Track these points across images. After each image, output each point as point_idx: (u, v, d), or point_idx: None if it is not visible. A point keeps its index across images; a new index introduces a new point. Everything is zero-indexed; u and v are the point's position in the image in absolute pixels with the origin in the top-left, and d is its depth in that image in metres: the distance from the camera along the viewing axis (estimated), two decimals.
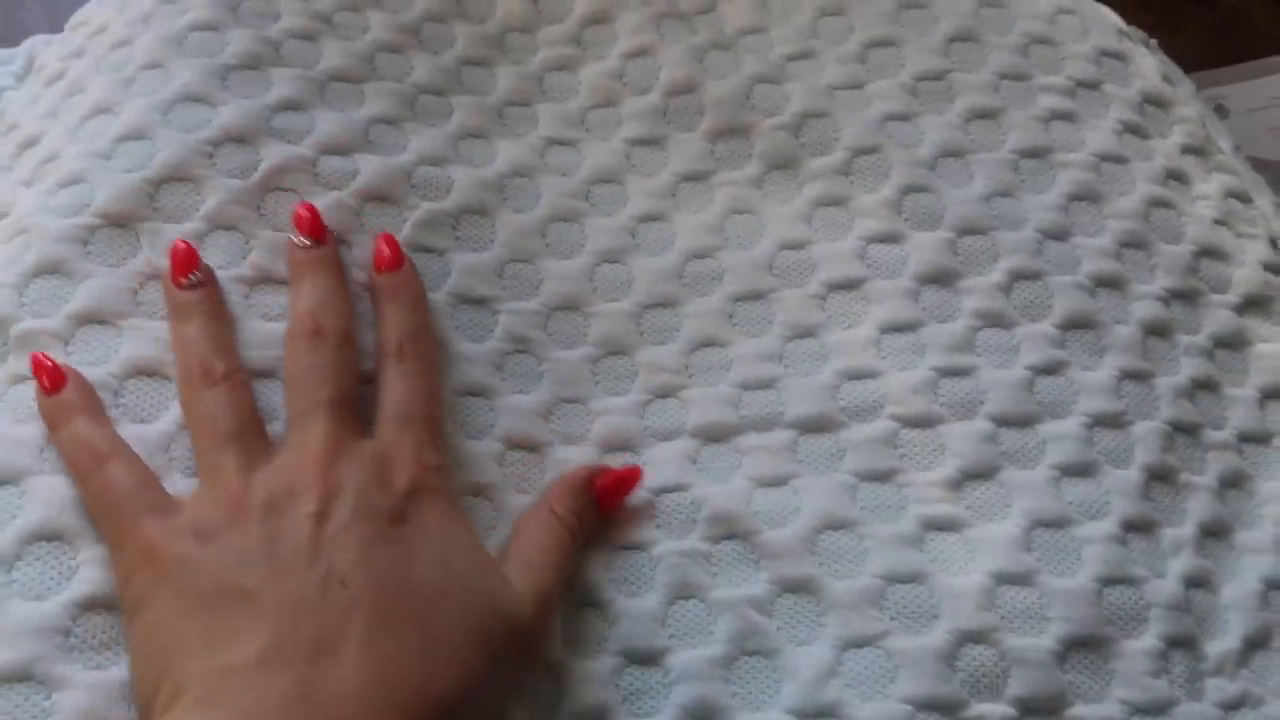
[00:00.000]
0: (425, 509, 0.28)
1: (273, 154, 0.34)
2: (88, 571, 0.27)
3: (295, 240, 0.32)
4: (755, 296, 0.36)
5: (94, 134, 0.34)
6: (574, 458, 0.33)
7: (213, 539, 0.26)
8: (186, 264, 0.31)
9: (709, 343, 0.35)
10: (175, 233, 0.32)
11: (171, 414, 0.29)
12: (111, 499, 0.27)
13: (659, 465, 0.33)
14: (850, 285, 0.35)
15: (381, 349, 0.31)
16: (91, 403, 0.29)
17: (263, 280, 0.32)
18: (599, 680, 0.29)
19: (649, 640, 0.30)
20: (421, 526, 0.27)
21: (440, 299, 0.34)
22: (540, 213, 0.36)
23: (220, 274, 0.31)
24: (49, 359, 0.29)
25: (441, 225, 0.35)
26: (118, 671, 0.26)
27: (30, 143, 0.35)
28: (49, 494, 0.27)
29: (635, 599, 0.31)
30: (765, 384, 0.34)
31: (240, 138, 0.34)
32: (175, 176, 0.33)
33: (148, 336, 0.30)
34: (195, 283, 0.30)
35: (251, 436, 0.28)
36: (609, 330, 0.35)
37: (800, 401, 0.33)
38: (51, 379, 0.29)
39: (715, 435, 0.33)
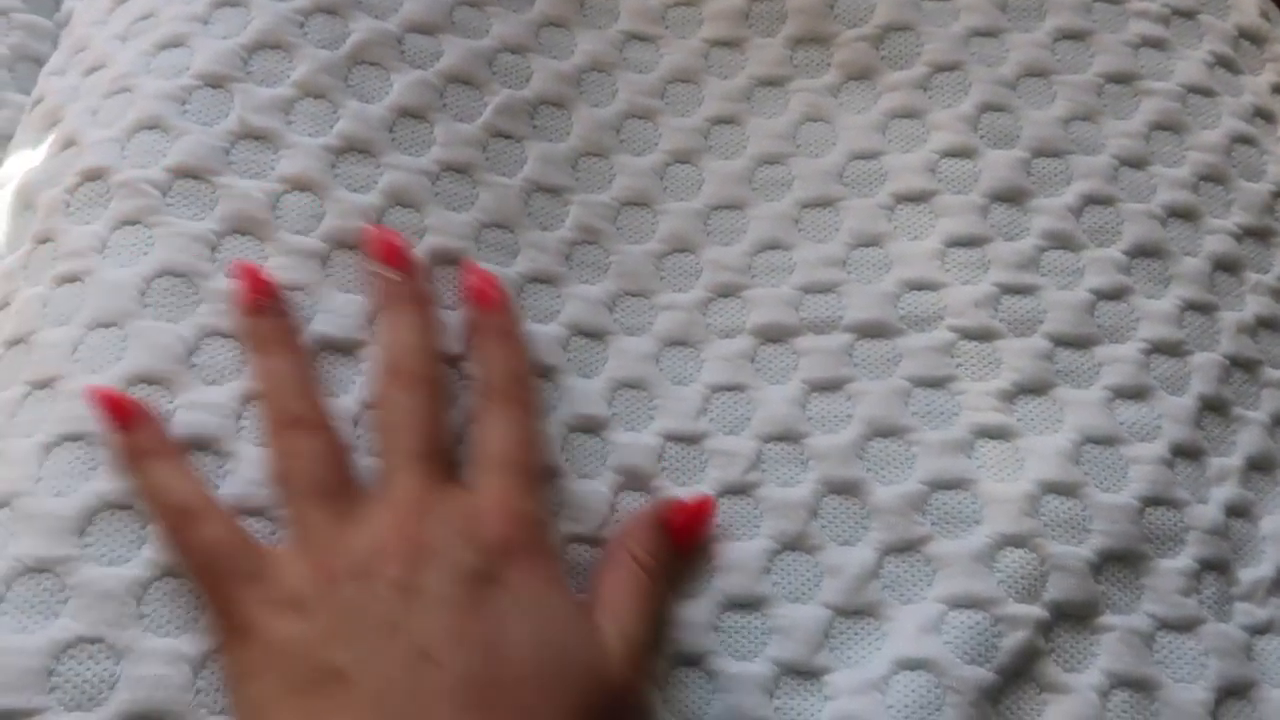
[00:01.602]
0: (519, 568, 0.26)
1: (361, 27, 0.34)
2: None
3: (384, 272, 0.31)
4: (823, 204, 0.36)
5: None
6: (633, 347, 0.33)
7: (306, 612, 0.25)
8: (261, 287, 0.30)
9: (774, 245, 0.35)
10: (268, 95, 0.33)
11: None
12: (206, 561, 0.26)
13: (717, 363, 0.34)
14: (919, 198, 0.36)
15: (481, 390, 0.30)
16: (170, 447, 0.28)
17: (348, 149, 0.33)
18: None
19: None
20: (515, 589, 0.26)
21: (514, 185, 0.34)
22: (616, 109, 0.37)
23: (308, 141, 0.32)
24: (117, 394, 0.28)
25: (520, 113, 0.36)
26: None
27: None
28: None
29: (684, 488, 0.32)
30: (826, 288, 0.34)
31: (331, 9, 0.34)
32: (268, 44, 0.34)
33: (238, 193, 0.31)
34: (272, 311, 0.29)
35: (340, 490, 0.27)
36: (676, 227, 0.35)
37: (860, 307, 0.34)
38: (122, 416, 0.27)
39: (774, 335, 0.34)
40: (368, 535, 0.26)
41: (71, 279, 0.30)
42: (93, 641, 0.26)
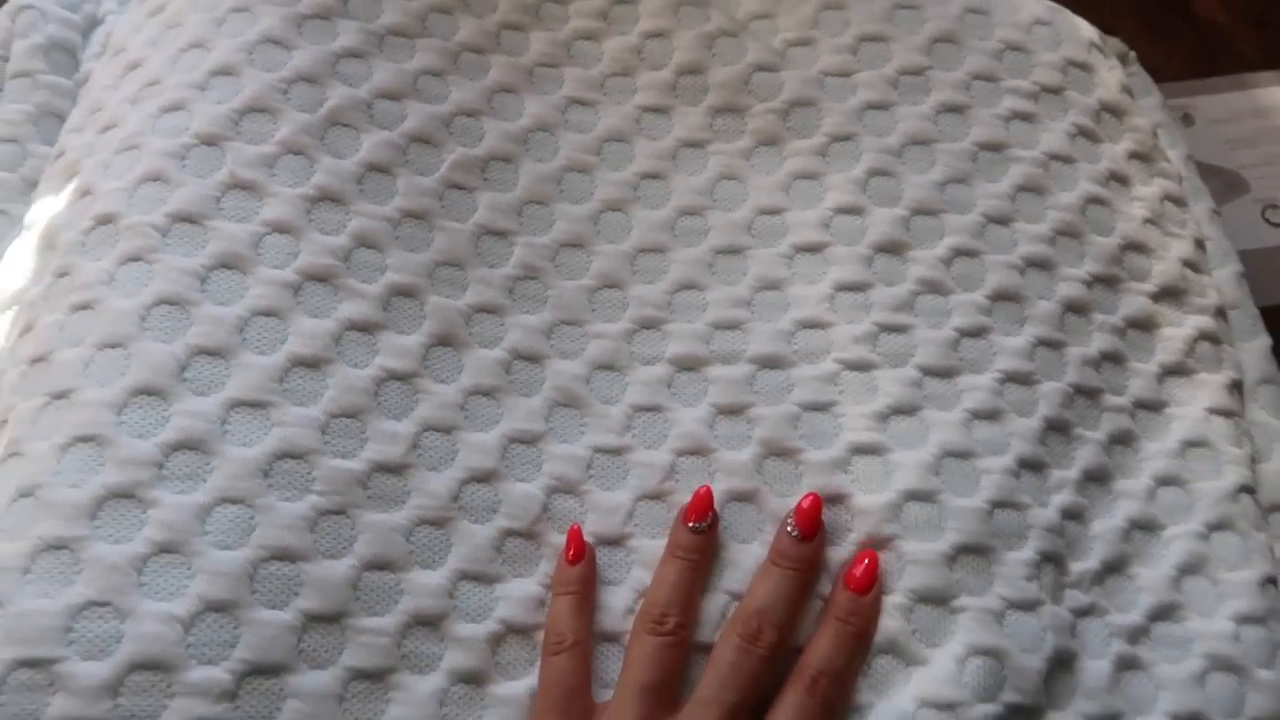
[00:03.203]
0: None
1: (336, 94, 0.40)
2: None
3: (788, 524, 0.35)
4: (734, 251, 0.42)
5: (190, 66, 0.40)
6: (567, 370, 0.39)
7: None
8: (703, 511, 0.35)
9: (690, 286, 0.41)
10: (254, 152, 0.38)
11: (248, 300, 0.36)
12: (552, 682, 0.33)
13: (640, 386, 0.39)
14: (814, 248, 0.41)
15: (799, 669, 0.33)
16: (588, 587, 0.34)
17: (322, 198, 0.38)
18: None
19: (613, 527, 0.36)
20: None
21: (466, 229, 0.40)
22: (558, 163, 0.43)
23: (287, 192, 0.38)
24: (582, 537, 0.35)
25: (472, 168, 0.41)
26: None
27: (134, 65, 0.42)
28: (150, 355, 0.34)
29: (608, 493, 0.37)
30: (733, 325, 0.40)
31: (311, 78, 0.40)
32: (255, 108, 0.39)
33: (226, 234, 0.37)
34: (696, 530, 0.35)
35: (665, 691, 0.32)
36: (607, 267, 0.41)
37: (761, 342, 0.40)
38: (576, 552, 0.35)
39: (688, 364, 0.40)
40: None
41: (84, 306, 0.36)
42: (101, 605, 0.31)
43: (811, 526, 0.35)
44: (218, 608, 0.32)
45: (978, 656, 0.34)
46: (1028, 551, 0.36)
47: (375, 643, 0.33)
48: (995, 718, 0.33)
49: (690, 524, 0.35)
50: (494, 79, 0.44)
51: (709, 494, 0.35)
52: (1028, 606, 0.35)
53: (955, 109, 0.44)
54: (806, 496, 0.35)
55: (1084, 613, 0.36)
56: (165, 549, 0.32)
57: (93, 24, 0.48)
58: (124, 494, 0.32)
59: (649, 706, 0.32)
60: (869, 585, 0.34)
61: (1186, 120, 0.55)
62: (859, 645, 0.33)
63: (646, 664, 0.33)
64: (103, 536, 0.32)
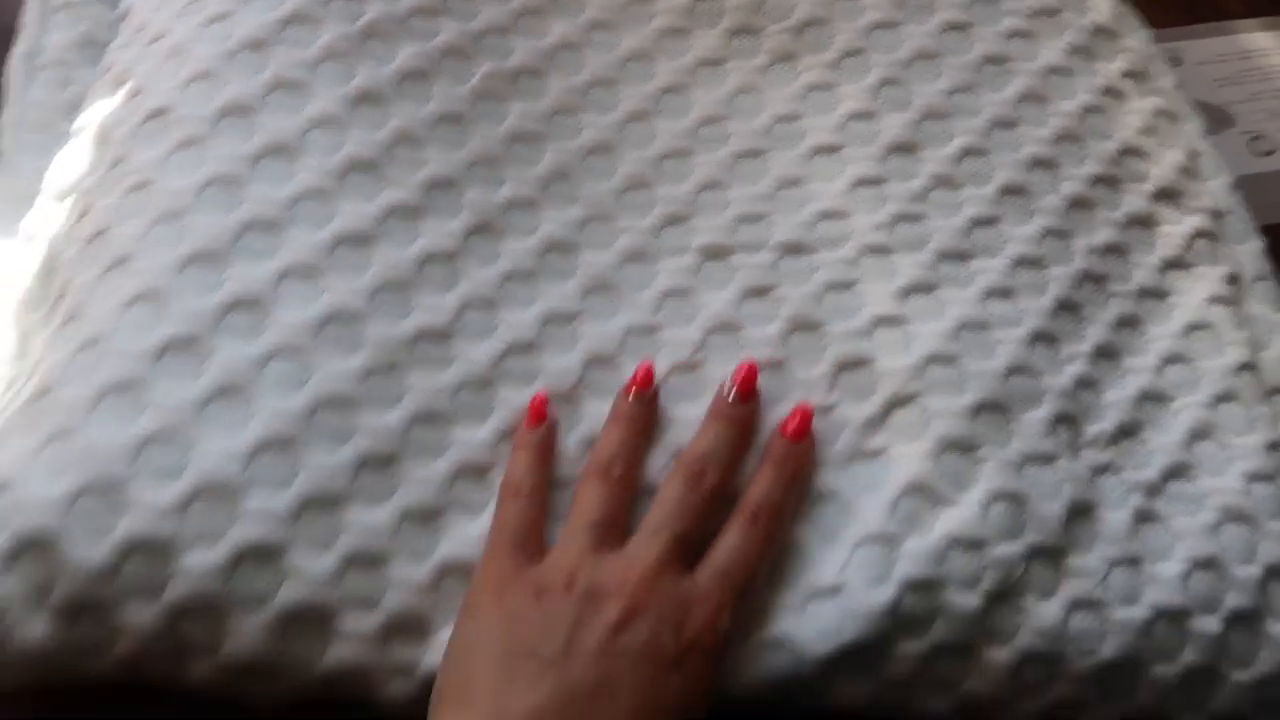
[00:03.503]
0: (695, 666, 0.32)
1: (373, 9, 0.42)
2: None
3: (725, 389, 0.37)
4: (754, 154, 0.44)
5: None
6: (599, 259, 0.41)
7: (541, 598, 0.32)
8: (645, 383, 0.37)
9: (714, 185, 0.43)
10: (296, 56, 0.40)
11: (296, 182, 0.38)
12: (504, 523, 0.34)
13: (668, 274, 0.41)
14: (831, 149, 0.44)
15: (742, 505, 0.35)
16: (545, 448, 0.36)
17: (362, 100, 0.40)
18: None
19: None
20: (682, 681, 0.32)
21: (499, 133, 0.42)
22: (583, 78, 0.45)
23: (329, 92, 0.40)
24: (544, 405, 0.36)
25: (503, 79, 0.44)
26: None
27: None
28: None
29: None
30: (756, 218, 0.42)
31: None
32: (297, 18, 0.41)
33: (271, 127, 0.38)
34: (643, 400, 0.37)
35: (611, 528, 0.34)
36: (634, 170, 0.43)
37: (783, 232, 0.42)
38: (534, 418, 0.36)
39: (714, 254, 0.41)
40: (608, 572, 0.33)
41: (139, 187, 0.37)
42: (166, 438, 0.33)
43: (747, 391, 0.37)
44: (276, 444, 0.33)
45: (1000, 501, 0.35)
46: (1044, 411, 0.38)
47: (425, 487, 0.34)
48: (1018, 556, 0.35)
49: (632, 395, 0.37)
50: (520, 2, 0.46)
51: (651, 369, 0.37)
52: (1045, 460, 0.37)
53: (958, 27, 0.47)
54: (743, 364, 0.37)
55: (1101, 470, 0.37)
56: (224, 392, 0.33)
57: None
58: (184, 344, 0.34)
59: (597, 539, 0.34)
60: (803, 433, 0.36)
61: (1175, 62, 0.58)
62: (795, 485, 0.36)
63: (595, 503, 0.34)
64: (165, 378, 0.33)
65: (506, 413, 0.37)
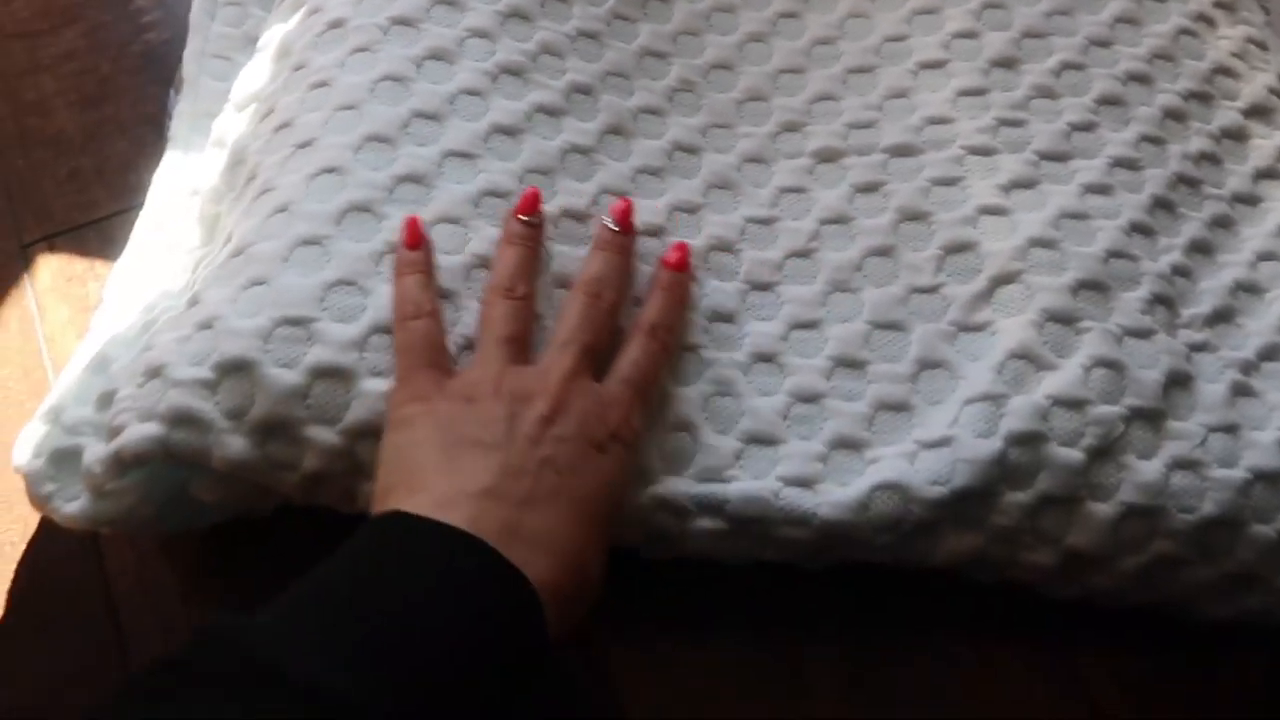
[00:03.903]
0: (618, 452, 0.35)
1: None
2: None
3: (605, 222, 0.40)
4: (864, 70, 0.47)
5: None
6: (721, 160, 0.44)
7: (471, 403, 0.34)
8: (531, 206, 0.39)
9: (826, 97, 0.47)
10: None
11: (455, 81, 0.42)
12: (411, 344, 0.35)
13: (784, 174, 0.44)
14: (936, 65, 0.47)
15: (638, 324, 0.38)
16: (428, 267, 0.37)
17: (511, 15, 0.45)
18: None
19: (764, 275, 0.42)
20: (611, 461, 0.35)
21: (631, 49, 0.46)
22: (705, 4, 0.49)
23: (483, 8, 0.45)
24: (418, 224, 0.38)
25: (634, 3, 0.48)
26: None
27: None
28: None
29: (760, 251, 0.42)
30: (867, 124, 0.46)
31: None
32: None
33: (434, 35, 0.43)
34: (530, 223, 0.39)
35: (521, 344, 0.36)
36: (752, 84, 0.47)
37: (892, 136, 0.45)
38: (410, 239, 0.37)
39: (827, 157, 0.45)
40: (531, 379, 0.35)
41: (321, 84, 0.42)
42: (348, 283, 0.37)
43: (627, 223, 0.40)
44: (441, 294, 0.37)
45: (1100, 367, 0.38)
46: (1142, 292, 0.40)
47: None
48: (1118, 417, 0.37)
49: (521, 216, 0.39)
50: None
51: (538, 194, 0.39)
52: (1143, 334, 0.39)
53: None
54: (620, 200, 0.40)
55: (1198, 348, 0.40)
56: (396, 249, 0.38)
57: None
58: (362, 208, 0.38)
59: (511, 354, 0.36)
60: (684, 262, 0.40)
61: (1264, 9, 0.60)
62: (682, 306, 0.39)
63: (504, 320, 0.36)
64: (347, 236, 0.38)
65: (638, 285, 0.40)
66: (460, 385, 0.35)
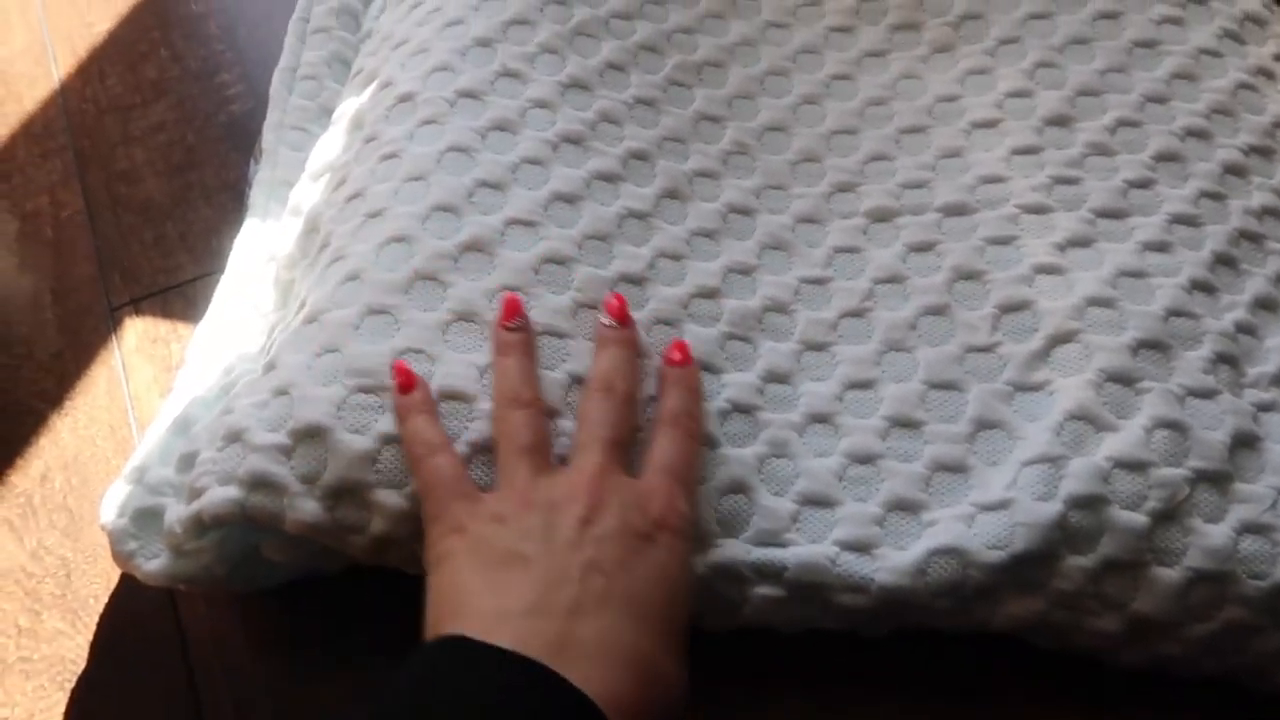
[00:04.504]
0: (668, 541, 0.34)
1: (580, 12, 0.49)
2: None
3: (603, 320, 0.39)
4: (917, 130, 0.48)
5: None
6: (775, 221, 0.45)
7: (504, 520, 0.33)
8: (513, 312, 0.39)
9: (880, 157, 0.47)
10: (517, 51, 0.47)
11: (518, 151, 0.44)
12: (435, 483, 0.35)
13: (839, 233, 0.45)
14: (990, 124, 0.47)
15: (660, 418, 0.38)
16: (430, 405, 0.37)
17: (572, 85, 0.47)
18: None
19: (818, 335, 0.42)
20: (663, 551, 0.33)
21: (687, 114, 0.48)
22: (760, 68, 0.50)
23: (545, 79, 0.46)
24: (407, 367, 0.37)
25: (690, 70, 0.49)
26: None
27: (418, 3, 0.51)
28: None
29: (815, 311, 0.43)
30: (920, 184, 0.46)
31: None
32: (517, 20, 0.48)
33: (499, 106, 0.45)
34: (517, 327, 0.38)
35: (542, 452, 0.35)
36: (806, 145, 0.48)
37: (946, 194, 0.45)
38: (405, 382, 0.37)
39: (880, 216, 0.46)
40: (561, 485, 0.34)
41: (390, 156, 0.44)
42: (417, 351, 0.39)
43: (623, 316, 0.39)
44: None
45: (1163, 428, 0.38)
46: (1204, 351, 0.40)
47: None
48: (1182, 479, 0.37)
49: (507, 324, 0.38)
50: (704, 7, 0.52)
51: (516, 300, 0.39)
52: (1207, 394, 0.39)
53: (1109, 15, 0.50)
54: (610, 296, 0.40)
55: (1265, 407, 0.39)
56: (462, 317, 0.39)
57: None
58: (429, 277, 0.40)
59: (534, 464, 0.35)
60: (687, 357, 0.39)
61: None
62: (696, 395, 0.39)
63: (520, 430, 0.36)
64: (414, 305, 0.39)
65: (694, 347, 0.41)
66: (491, 506, 0.34)
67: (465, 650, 0.30)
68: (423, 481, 0.35)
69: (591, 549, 0.32)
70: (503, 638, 0.30)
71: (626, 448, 0.36)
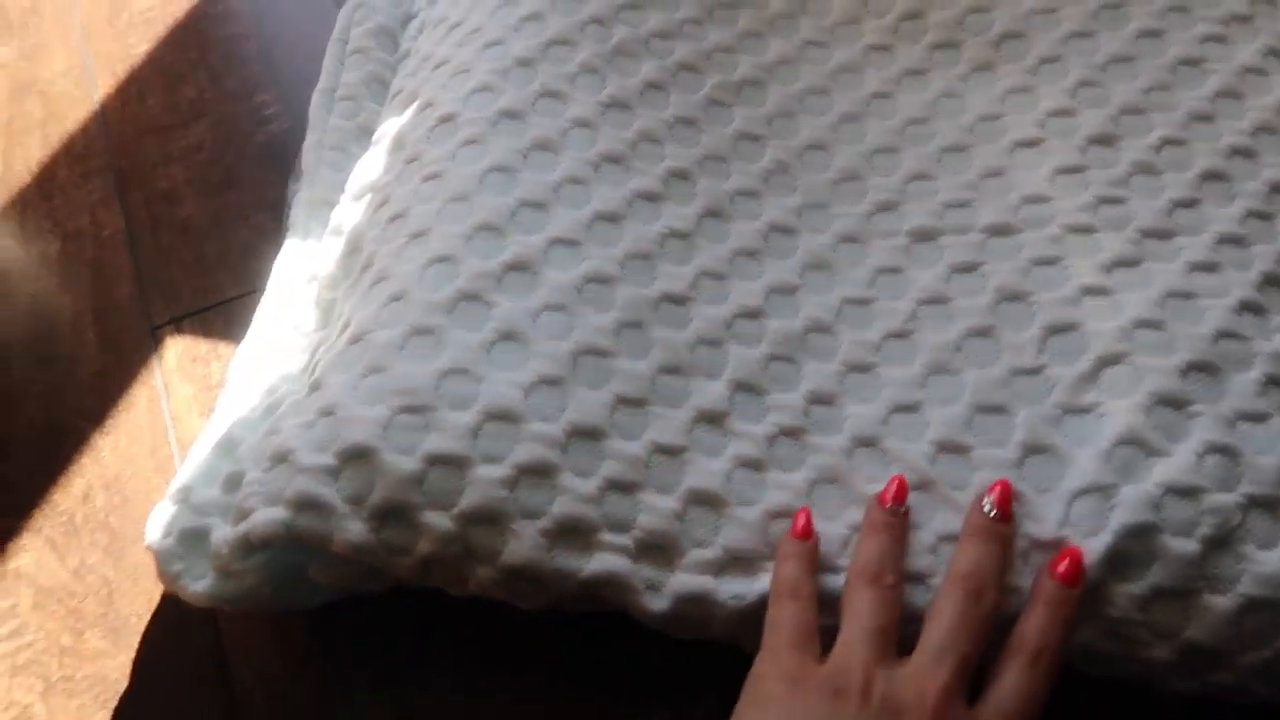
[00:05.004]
0: None
1: (620, 33, 0.49)
2: None
3: (983, 506, 0.37)
4: (958, 149, 0.48)
5: (505, 16, 0.49)
6: (817, 240, 0.45)
7: (838, 699, 0.33)
8: (898, 496, 0.38)
9: (921, 176, 0.47)
10: (558, 71, 0.47)
11: (559, 171, 0.44)
12: (785, 624, 0.35)
13: (881, 253, 0.45)
14: (1032, 143, 0.47)
15: (1018, 645, 0.34)
16: (813, 561, 0.37)
17: (612, 105, 0.47)
18: None
19: (862, 356, 0.42)
20: None
21: (727, 133, 0.48)
22: (800, 87, 0.50)
23: (586, 99, 0.46)
24: (810, 517, 0.38)
25: (729, 89, 0.49)
26: None
27: (456, 24, 0.52)
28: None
29: (857, 331, 0.43)
30: (963, 204, 0.46)
31: (600, 21, 0.49)
32: (558, 41, 0.48)
33: (540, 126, 0.45)
34: (895, 512, 0.38)
35: (890, 636, 0.34)
36: (847, 164, 0.48)
37: (989, 215, 0.45)
38: (804, 531, 0.37)
39: (923, 236, 0.45)
40: (900, 689, 0.33)
41: (433, 177, 0.44)
42: (460, 372, 0.39)
43: (1007, 510, 0.37)
44: (549, 381, 0.38)
45: (1214, 453, 0.37)
46: (1255, 374, 0.39)
47: (671, 426, 0.39)
48: (1235, 505, 0.36)
49: (888, 506, 0.38)
50: (742, 26, 0.52)
51: (904, 483, 0.38)
52: (1258, 418, 0.38)
53: (1152, 33, 0.50)
54: (999, 482, 0.37)
55: None
56: (506, 337, 0.39)
57: (409, 17, 0.59)
58: (472, 297, 0.40)
59: (878, 648, 0.34)
60: (1076, 577, 0.36)
61: None
62: (1069, 627, 0.35)
63: (872, 611, 0.35)
64: (458, 325, 0.39)
65: (738, 367, 0.41)
66: (829, 675, 0.34)
67: None
68: (774, 615, 0.36)
69: None
70: None
71: (975, 665, 0.35)
